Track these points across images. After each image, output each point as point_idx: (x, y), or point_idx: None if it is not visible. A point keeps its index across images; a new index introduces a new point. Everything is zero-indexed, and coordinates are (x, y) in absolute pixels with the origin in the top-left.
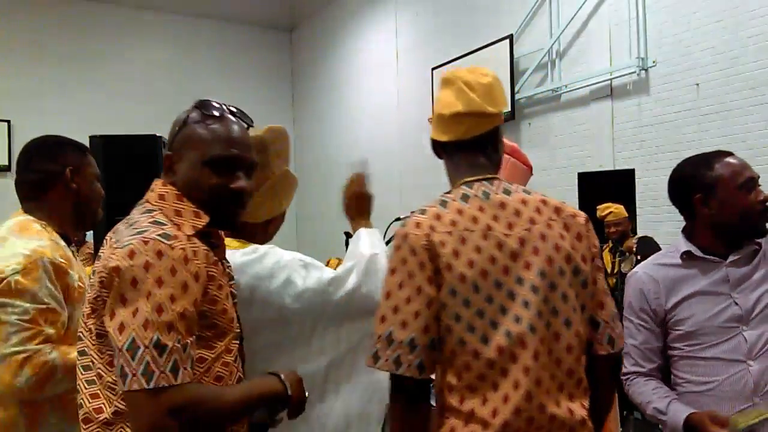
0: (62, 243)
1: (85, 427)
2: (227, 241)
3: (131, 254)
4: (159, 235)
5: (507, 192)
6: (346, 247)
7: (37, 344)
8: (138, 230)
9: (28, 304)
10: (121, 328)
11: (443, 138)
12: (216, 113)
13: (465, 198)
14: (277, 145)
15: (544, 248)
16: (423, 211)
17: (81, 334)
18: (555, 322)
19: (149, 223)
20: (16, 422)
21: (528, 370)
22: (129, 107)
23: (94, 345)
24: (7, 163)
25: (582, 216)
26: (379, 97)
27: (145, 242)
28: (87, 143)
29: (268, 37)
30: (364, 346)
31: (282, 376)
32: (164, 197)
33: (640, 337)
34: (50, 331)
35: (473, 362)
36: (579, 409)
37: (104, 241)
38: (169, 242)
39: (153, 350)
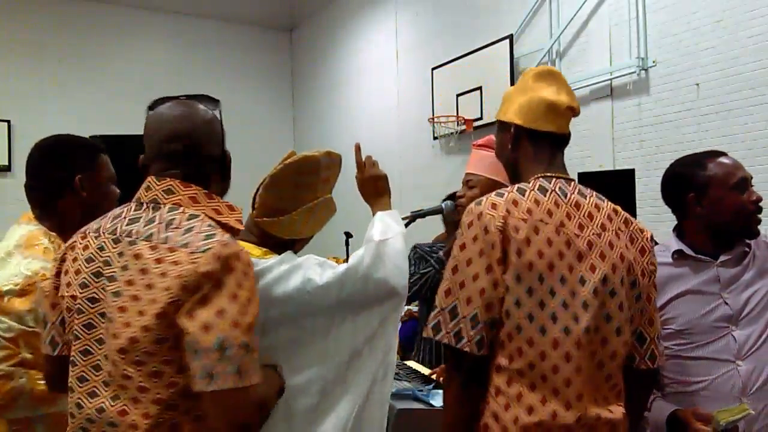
0: None
1: (98, 416)
2: (249, 247)
3: (217, 258)
4: (229, 238)
5: (582, 194)
6: (347, 247)
7: (9, 366)
8: (207, 234)
9: (13, 323)
10: (206, 328)
11: (544, 127)
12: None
13: (543, 190)
14: (329, 171)
15: (611, 255)
16: (500, 194)
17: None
18: (605, 327)
19: (209, 226)
20: None
21: (580, 370)
22: (129, 107)
23: (142, 348)
24: (7, 163)
25: (648, 233)
26: (379, 97)
27: (225, 245)
28: None
29: (268, 37)
30: (377, 339)
31: (278, 368)
32: (196, 199)
33: None
34: (27, 355)
35: (527, 349)
36: (618, 407)
37: (99, 245)
38: (238, 247)
39: (242, 349)
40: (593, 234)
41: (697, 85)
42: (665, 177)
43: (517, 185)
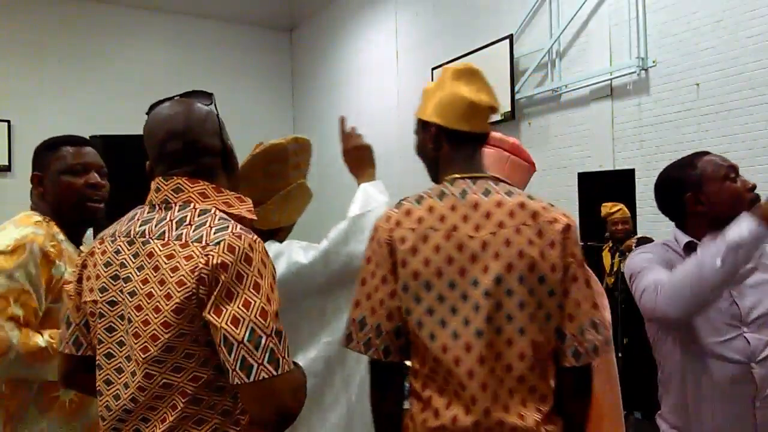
0: (61, 237)
1: (128, 416)
2: None
3: (231, 249)
4: (241, 229)
5: (486, 192)
6: None
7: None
8: (219, 227)
9: (2, 280)
10: (235, 321)
11: (464, 127)
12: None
13: (441, 195)
14: (299, 157)
15: (506, 253)
16: (398, 205)
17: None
18: (508, 328)
19: (220, 219)
20: None
21: (472, 374)
22: (129, 107)
23: (163, 344)
24: (7, 163)
25: (561, 223)
26: (379, 97)
27: (238, 236)
28: None
29: (268, 37)
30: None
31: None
32: (206, 194)
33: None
34: (18, 312)
35: (426, 354)
36: (532, 414)
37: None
38: (251, 236)
39: (275, 337)
40: (489, 233)
41: (697, 85)
42: (658, 184)
43: (420, 193)
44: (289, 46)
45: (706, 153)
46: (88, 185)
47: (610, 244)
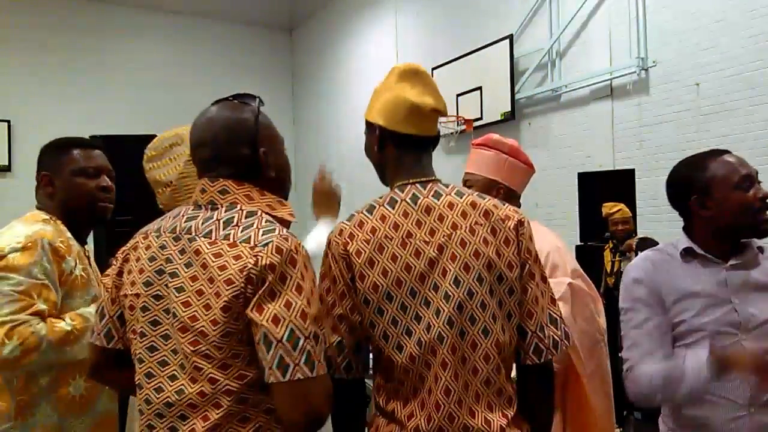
0: (68, 234)
1: (168, 410)
2: None
3: (279, 251)
4: (288, 232)
5: (437, 195)
6: None
7: (26, 315)
8: (267, 229)
9: (22, 277)
10: (276, 320)
11: (407, 130)
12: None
13: (392, 203)
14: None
15: (462, 254)
16: (350, 217)
17: (146, 331)
18: (471, 330)
19: (267, 222)
20: (8, 410)
21: (437, 379)
22: (129, 107)
23: (212, 341)
24: (7, 163)
25: (513, 219)
26: None
27: (285, 239)
28: None
29: (268, 37)
30: None
31: None
32: (251, 197)
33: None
34: (42, 306)
35: (392, 367)
36: (499, 419)
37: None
38: (296, 240)
39: (312, 340)
40: (443, 236)
41: (697, 85)
42: (668, 181)
43: (370, 202)
44: (289, 46)
45: (724, 153)
46: (100, 188)
47: (611, 244)
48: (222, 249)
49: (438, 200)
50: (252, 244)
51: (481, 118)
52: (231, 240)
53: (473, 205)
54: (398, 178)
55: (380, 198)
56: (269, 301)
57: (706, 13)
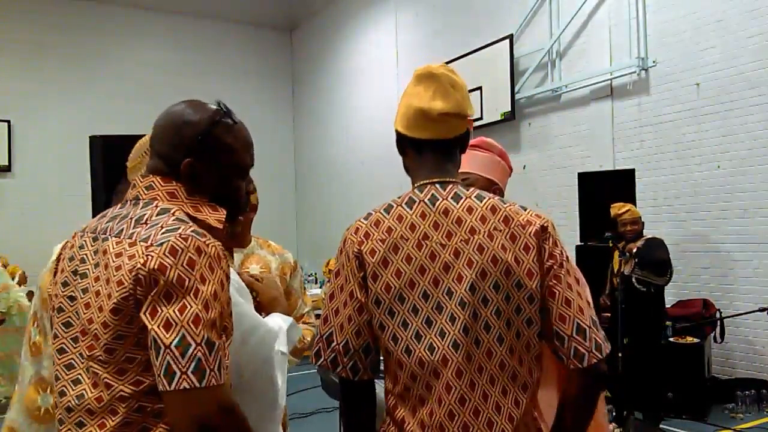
0: None
1: (68, 416)
2: None
3: (173, 251)
4: (193, 231)
5: (457, 198)
6: None
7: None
8: (169, 228)
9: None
10: (168, 325)
11: (420, 135)
12: (233, 120)
13: (410, 203)
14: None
15: (479, 260)
16: (367, 216)
17: (59, 333)
18: (487, 338)
19: (175, 220)
20: None
21: (450, 388)
22: (129, 107)
23: (103, 345)
24: (7, 163)
25: (535, 225)
26: (379, 97)
27: (185, 239)
28: (87, 143)
29: (268, 37)
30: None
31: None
32: (175, 195)
33: None
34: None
35: (399, 372)
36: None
37: (82, 244)
38: (203, 239)
39: (204, 348)
40: (461, 241)
41: (697, 85)
42: None
43: (388, 202)
44: (289, 46)
45: None
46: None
47: (623, 244)
48: (123, 248)
49: (457, 203)
50: (149, 243)
51: (481, 118)
52: (133, 239)
53: (493, 209)
54: (418, 178)
55: (398, 198)
56: (164, 304)
57: (706, 14)
